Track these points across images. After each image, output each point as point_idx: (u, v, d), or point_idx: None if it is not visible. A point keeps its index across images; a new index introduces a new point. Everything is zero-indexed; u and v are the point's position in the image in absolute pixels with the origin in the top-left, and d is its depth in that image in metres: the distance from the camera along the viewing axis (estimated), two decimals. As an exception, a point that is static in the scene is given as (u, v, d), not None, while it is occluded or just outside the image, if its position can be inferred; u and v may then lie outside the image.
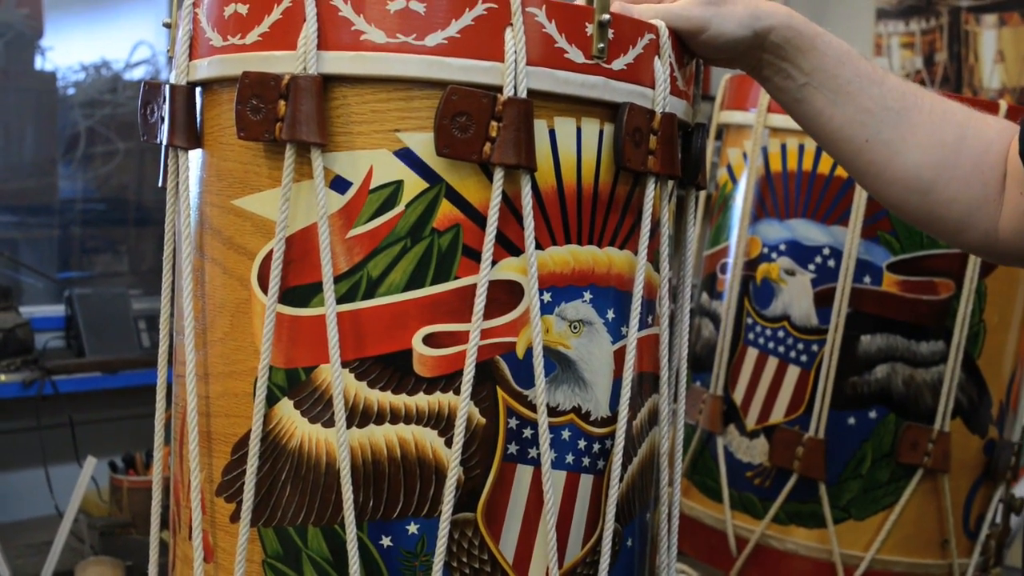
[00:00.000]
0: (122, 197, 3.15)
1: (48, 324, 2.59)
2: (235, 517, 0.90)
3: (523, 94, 0.83)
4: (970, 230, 1.01)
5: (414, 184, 0.84)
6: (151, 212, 3.10)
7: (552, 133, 0.87)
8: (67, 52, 3.01)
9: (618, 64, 0.89)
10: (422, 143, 0.84)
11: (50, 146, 3.00)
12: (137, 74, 3.11)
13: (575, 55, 0.86)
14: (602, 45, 0.87)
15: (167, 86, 0.93)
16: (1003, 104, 1.44)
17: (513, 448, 0.87)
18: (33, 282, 2.84)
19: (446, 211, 0.85)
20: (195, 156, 0.94)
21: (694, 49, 0.98)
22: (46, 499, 2.22)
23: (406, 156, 0.84)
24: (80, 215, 3.08)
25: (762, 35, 0.97)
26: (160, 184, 0.97)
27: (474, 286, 0.85)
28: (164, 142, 0.94)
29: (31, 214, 2.97)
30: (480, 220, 0.85)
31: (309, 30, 0.83)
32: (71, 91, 3.05)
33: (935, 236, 1.06)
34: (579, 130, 0.88)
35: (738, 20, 0.96)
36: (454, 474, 0.85)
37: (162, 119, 0.94)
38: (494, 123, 0.83)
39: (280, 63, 0.85)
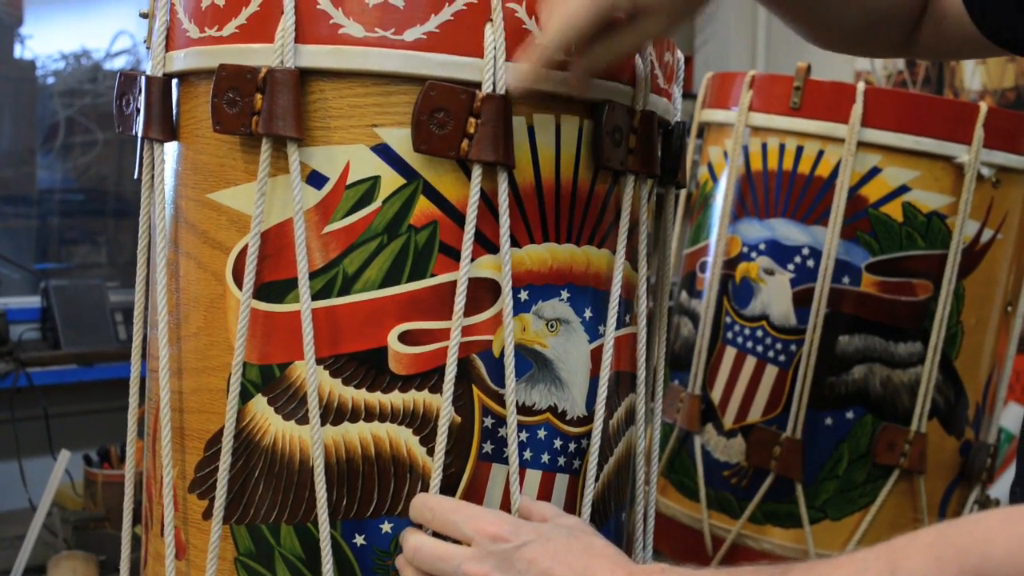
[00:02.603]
0: (101, 188, 3.13)
1: (23, 315, 2.57)
2: (207, 514, 0.89)
3: (502, 90, 0.83)
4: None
5: (391, 180, 0.84)
6: (130, 203, 3.08)
7: (531, 130, 0.86)
8: (47, 41, 2.99)
9: (598, 62, 0.88)
10: (400, 139, 0.83)
11: (29, 135, 2.98)
12: (118, 64, 3.09)
13: (556, 52, 0.85)
14: (583, 42, 0.87)
15: (143, 77, 0.92)
16: (983, 106, 1.44)
17: (488, 447, 0.87)
18: (9, 273, 2.82)
19: (423, 208, 0.84)
20: (171, 148, 0.93)
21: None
22: (19, 492, 2.21)
23: (383, 152, 0.84)
24: (59, 205, 3.06)
25: None
26: (136, 176, 0.96)
27: (450, 284, 0.84)
28: (139, 134, 0.93)
29: (9, 204, 2.95)
30: (457, 217, 0.84)
31: (287, 23, 0.82)
32: (51, 80, 3.03)
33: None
34: (558, 127, 0.87)
35: None
36: (438, 475, 0.85)
37: (138, 111, 0.93)
38: (472, 119, 0.82)
39: (257, 56, 0.84)
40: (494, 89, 0.83)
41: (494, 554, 0.78)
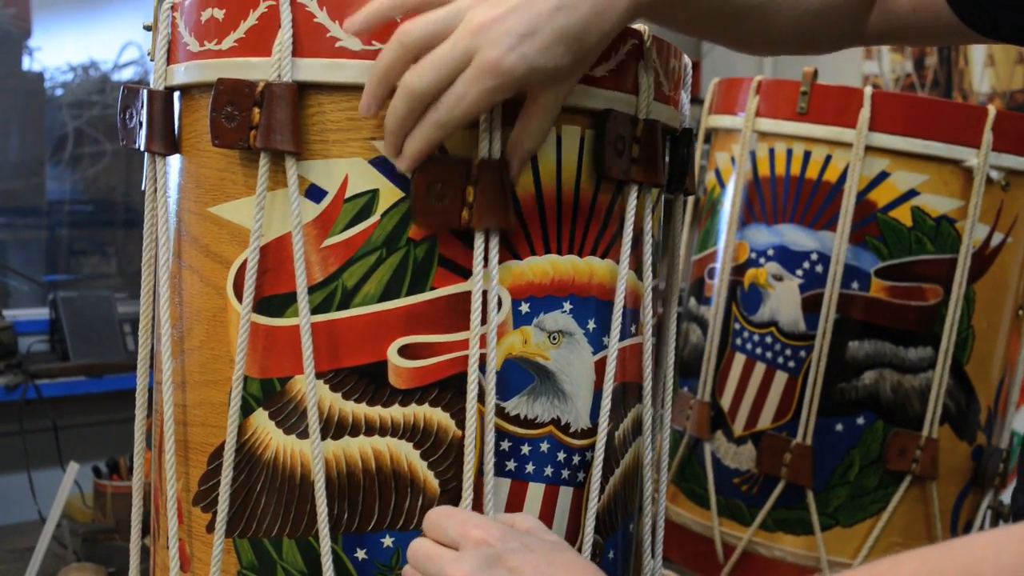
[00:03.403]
0: (110, 199, 3.14)
1: (32, 327, 2.58)
2: (211, 527, 0.89)
3: (497, 155, 0.82)
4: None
5: (390, 193, 0.83)
6: (139, 214, 3.07)
7: (531, 140, 0.85)
8: (55, 52, 2.99)
9: (600, 70, 0.88)
10: (398, 152, 0.83)
11: (38, 147, 2.99)
12: (126, 75, 3.10)
13: (555, 62, 0.85)
14: (584, 52, 0.86)
15: (145, 91, 0.92)
16: (992, 109, 1.43)
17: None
18: (18, 285, 2.83)
19: (422, 221, 0.83)
20: (173, 162, 0.93)
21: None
22: (29, 504, 2.21)
23: (382, 165, 0.83)
24: (68, 217, 3.07)
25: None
26: (143, 189, 0.96)
27: (450, 297, 0.84)
28: (142, 147, 0.93)
29: (18, 215, 2.96)
30: (457, 230, 0.84)
31: (284, 36, 0.82)
32: (59, 92, 3.04)
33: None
34: (559, 137, 0.87)
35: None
36: (468, 493, 0.84)
37: (140, 124, 0.93)
38: (471, 188, 0.82)
39: (255, 70, 0.83)
40: (489, 155, 0.82)
41: (477, 557, 0.77)
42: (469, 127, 0.82)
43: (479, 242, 0.83)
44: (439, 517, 0.81)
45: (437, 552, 0.79)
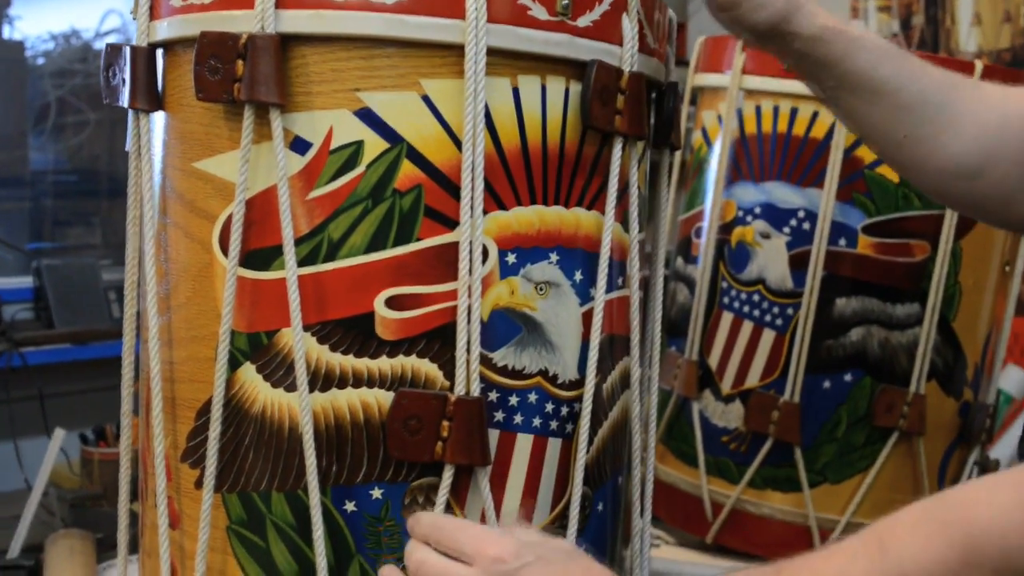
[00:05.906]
0: (94, 168, 3.13)
1: (16, 295, 2.58)
2: (200, 483, 0.89)
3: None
4: (1016, 204, 1.02)
5: (375, 144, 0.83)
6: (123, 183, 3.06)
7: (516, 92, 0.85)
8: (36, 21, 2.97)
9: (584, 21, 0.87)
10: (382, 103, 0.82)
11: (20, 117, 2.97)
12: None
13: (539, 12, 0.85)
14: (567, 2, 0.86)
15: (128, 48, 0.91)
16: (979, 64, 1.43)
17: (477, 412, 0.86)
18: (2, 254, 2.81)
19: (407, 171, 0.83)
20: (157, 118, 0.93)
21: (721, 22, 0.99)
22: (15, 472, 2.21)
23: (366, 116, 0.83)
24: (52, 186, 3.06)
25: (788, 39, 0.97)
26: (127, 147, 0.96)
27: (437, 248, 0.84)
28: (126, 104, 0.92)
29: (1, 186, 2.95)
30: (442, 180, 0.83)
31: (267, -12, 0.81)
32: (40, 61, 3.02)
33: (980, 219, 1.05)
34: (544, 88, 0.86)
35: (768, 15, 0.96)
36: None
37: (124, 81, 0.93)
38: (446, 423, 0.83)
39: (238, 22, 0.83)
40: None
41: (494, 575, 0.78)
42: None
43: (447, 473, 0.84)
44: (452, 530, 0.81)
45: (452, 570, 0.80)
